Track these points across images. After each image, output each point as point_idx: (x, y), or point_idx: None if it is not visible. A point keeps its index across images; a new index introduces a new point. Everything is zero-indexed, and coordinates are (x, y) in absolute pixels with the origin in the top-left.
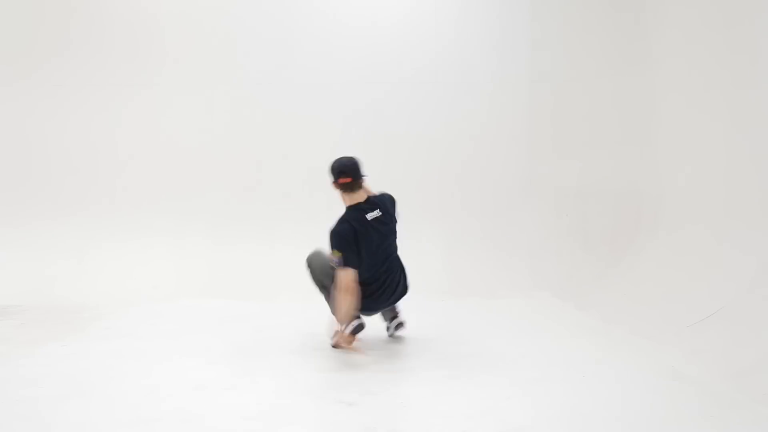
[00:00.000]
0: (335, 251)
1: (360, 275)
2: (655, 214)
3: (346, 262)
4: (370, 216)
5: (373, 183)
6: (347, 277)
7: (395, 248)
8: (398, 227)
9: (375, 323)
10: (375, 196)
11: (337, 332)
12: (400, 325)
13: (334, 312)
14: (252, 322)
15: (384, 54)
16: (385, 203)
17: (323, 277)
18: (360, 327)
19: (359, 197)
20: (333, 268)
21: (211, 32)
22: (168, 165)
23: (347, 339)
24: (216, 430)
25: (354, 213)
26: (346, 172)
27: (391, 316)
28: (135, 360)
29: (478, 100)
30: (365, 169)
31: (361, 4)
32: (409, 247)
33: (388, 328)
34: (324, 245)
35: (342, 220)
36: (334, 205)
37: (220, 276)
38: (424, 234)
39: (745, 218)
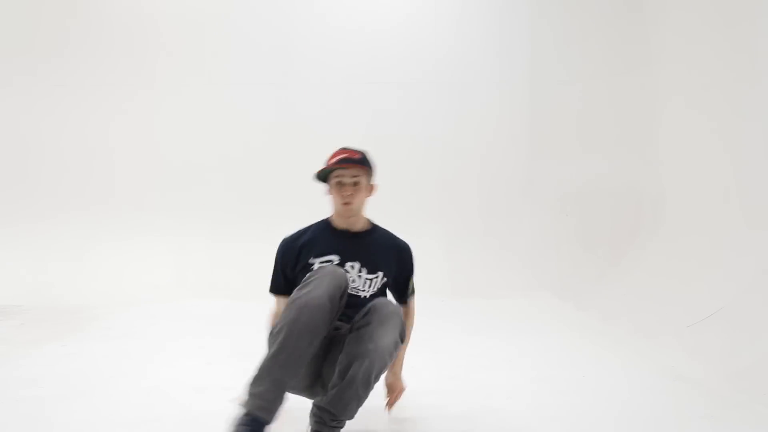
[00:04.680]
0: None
1: None
2: (655, 214)
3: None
4: None
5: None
6: None
7: None
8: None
9: None
10: None
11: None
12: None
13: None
14: (252, 322)
15: (384, 57)
16: None
17: None
18: None
19: None
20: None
21: (209, 32)
22: (167, 165)
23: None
24: (216, 430)
25: None
26: None
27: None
28: (134, 360)
29: (478, 102)
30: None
31: (360, 7)
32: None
33: None
34: None
35: None
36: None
37: (221, 276)
38: (425, 233)
39: (745, 218)
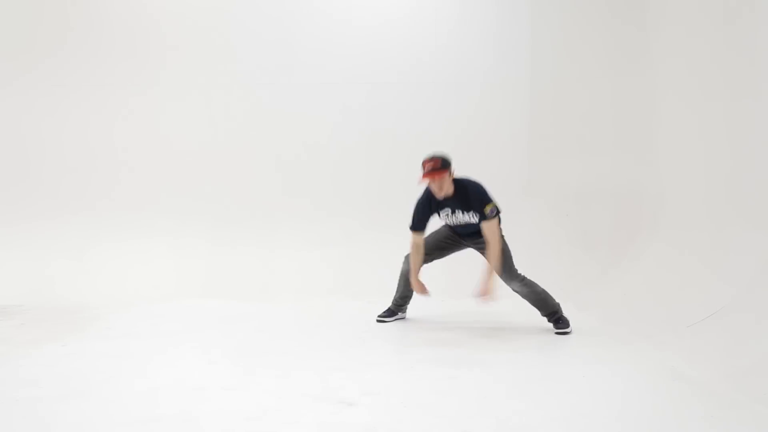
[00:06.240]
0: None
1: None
2: (655, 214)
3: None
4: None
5: (373, 182)
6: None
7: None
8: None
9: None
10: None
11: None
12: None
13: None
14: (252, 322)
15: (383, 53)
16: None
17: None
18: None
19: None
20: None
21: (209, 32)
22: (167, 165)
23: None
24: (216, 430)
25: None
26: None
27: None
28: (135, 360)
29: (477, 100)
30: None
31: (360, 3)
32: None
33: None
34: (324, 243)
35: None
36: (332, 204)
37: (220, 276)
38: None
39: (745, 218)
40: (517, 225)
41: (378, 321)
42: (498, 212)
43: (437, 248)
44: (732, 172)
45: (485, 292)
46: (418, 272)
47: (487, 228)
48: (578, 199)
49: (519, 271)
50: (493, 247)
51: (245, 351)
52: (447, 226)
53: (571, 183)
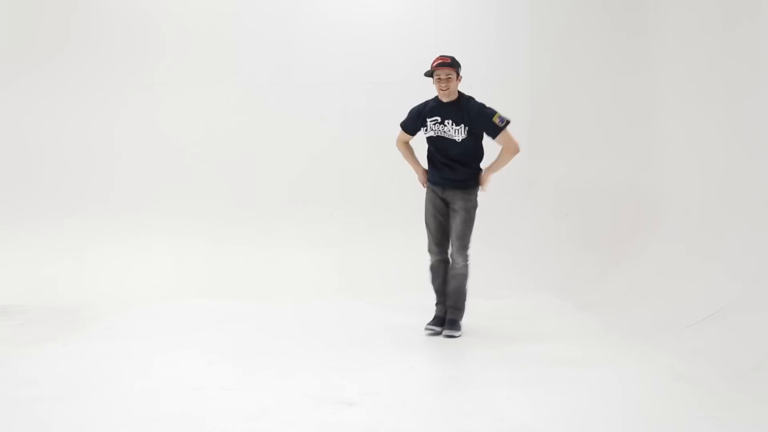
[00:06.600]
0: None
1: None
2: (655, 214)
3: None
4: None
5: (374, 181)
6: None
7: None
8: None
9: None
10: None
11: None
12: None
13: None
14: (252, 322)
15: (382, 53)
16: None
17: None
18: None
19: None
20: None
21: (210, 32)
22: (167, 165)
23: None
24: (216, 430)
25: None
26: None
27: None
28: (135, 360)
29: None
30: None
31: (360, 3)
32: (409, 247)
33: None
34: (325, 243)
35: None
36: (333, 203)
37: (220, 276)
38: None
39: (745, 218)
40: (517, 224)
41: (428, 333)
42: (508, 122)
43: (440, 222)
44: (732, 172)
45: (482, 182)
46: (414, 158)
47: (502, 138)
48: (578, 199)
49: (469, 254)
50: (506, 152)
51: (245, 351)
52: (429, 194)
53: (571, 183)
